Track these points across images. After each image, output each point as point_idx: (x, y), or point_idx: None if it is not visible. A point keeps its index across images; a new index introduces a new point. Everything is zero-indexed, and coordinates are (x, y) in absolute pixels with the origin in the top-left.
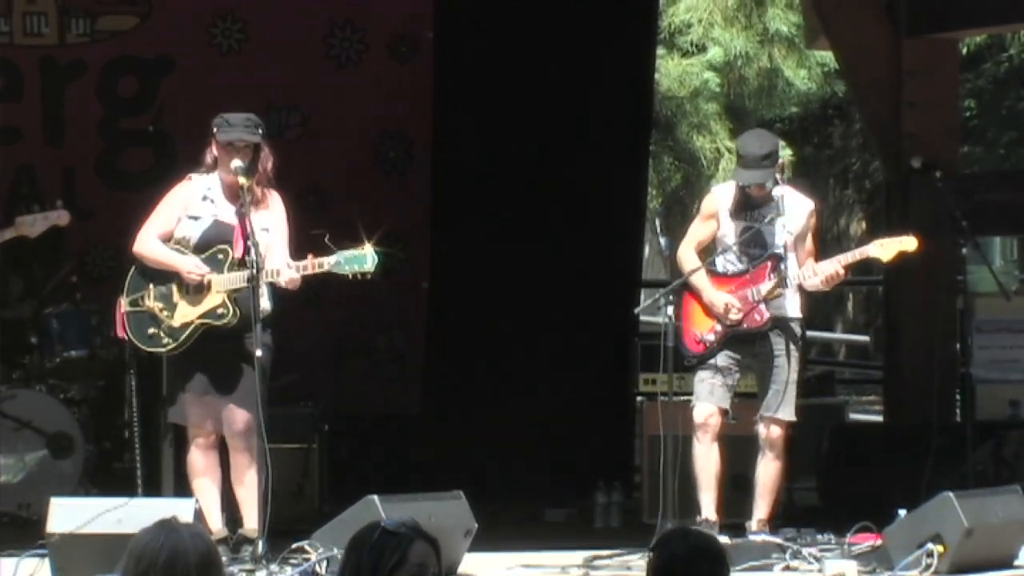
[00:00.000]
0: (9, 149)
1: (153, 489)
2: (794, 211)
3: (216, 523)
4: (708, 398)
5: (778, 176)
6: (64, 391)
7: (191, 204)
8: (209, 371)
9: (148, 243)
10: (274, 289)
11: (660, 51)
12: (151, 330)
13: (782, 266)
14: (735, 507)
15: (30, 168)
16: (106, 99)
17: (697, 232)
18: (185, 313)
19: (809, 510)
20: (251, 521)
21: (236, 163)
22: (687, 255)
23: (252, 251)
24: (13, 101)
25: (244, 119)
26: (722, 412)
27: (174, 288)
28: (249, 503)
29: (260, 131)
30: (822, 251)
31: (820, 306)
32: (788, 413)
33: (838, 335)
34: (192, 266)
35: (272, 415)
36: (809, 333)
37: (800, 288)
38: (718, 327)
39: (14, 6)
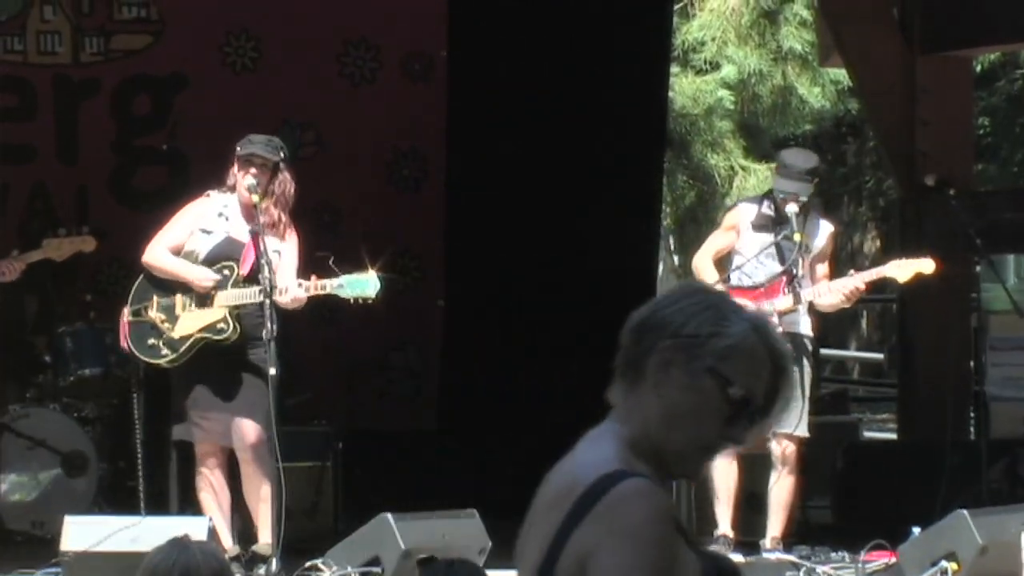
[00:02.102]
0: (23, 167)
1: (161, 507)
2: (816, 232)
3: (227, 541)
4: None
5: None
6: (78, 410)
7: (205, 219)
8: (212, 385)
9: (158, 254)
10: (278, 310)
11: (674, 69)
12: (151, 341)
13: (796, 283)
14: (749, 525)
15: (44, 186)
16: (120, 117)
17: (716, 242)
18: (186, 326)
19: (823, 528)
20: (265, 536)
21: (249, 180)
22: (704, 264)
23: (266, 268)
24: (27, 119)
25: (266, 139)
26: None
27: (177, 301)
28: (263, 517)
29: (282, 154)
30: (836, 269)
31: (834, 324)
32: (801, 429)
33: (852, 353)
34: (202, 275)
35: (286, 433)
36: (823, 351)
37: (811, 307)
38: None
39: (28, 25)
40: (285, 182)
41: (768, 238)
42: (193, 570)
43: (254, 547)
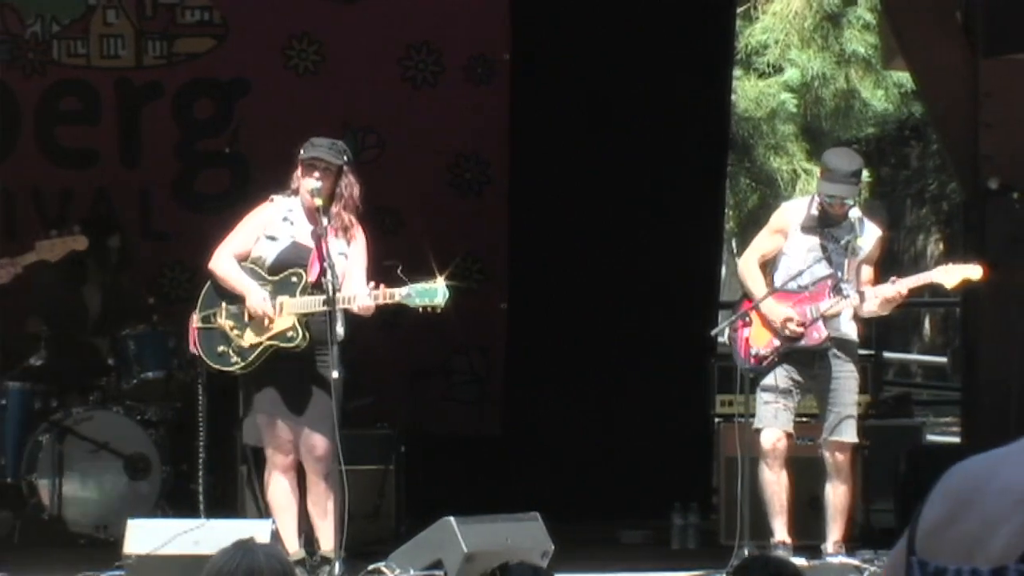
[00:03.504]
0: (86, 171)
1: (228, 510)
2: (865, 235)
3: (293, 544)
4: (773, 423)
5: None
6: (141, 413)
7: (271, 224)
8: (282, 393)
9: (223, 262)
10: (347, 315)
11: (737, 72)
12: (221, 348)
13: (842, 287)
14: (811, 528)
15: (106, 190)
16: (182, 121)
17: (762, 244)
18: (255, 334)
19: (886, 532)
20: (327, 543)
21: (312, 183)
22: (750, 267)
23: (329, 272)
24: (90, 123)
25: (330, 142)
26: (788, 436)
27: (246, 308)
28: (325, 527)
29: (345, 157)
30: (899, 272)
31: (897, 327)
32: (851, 435)
33: (915, 356)
34: (259, 300)
35: (349, 436)
36: (886, 354)
37: (855, 312)
38: (775, 342)
39: (91, 28)
40: (351, 185)
41: (815, 240)
42: (257, 572)
43: (319, 552)
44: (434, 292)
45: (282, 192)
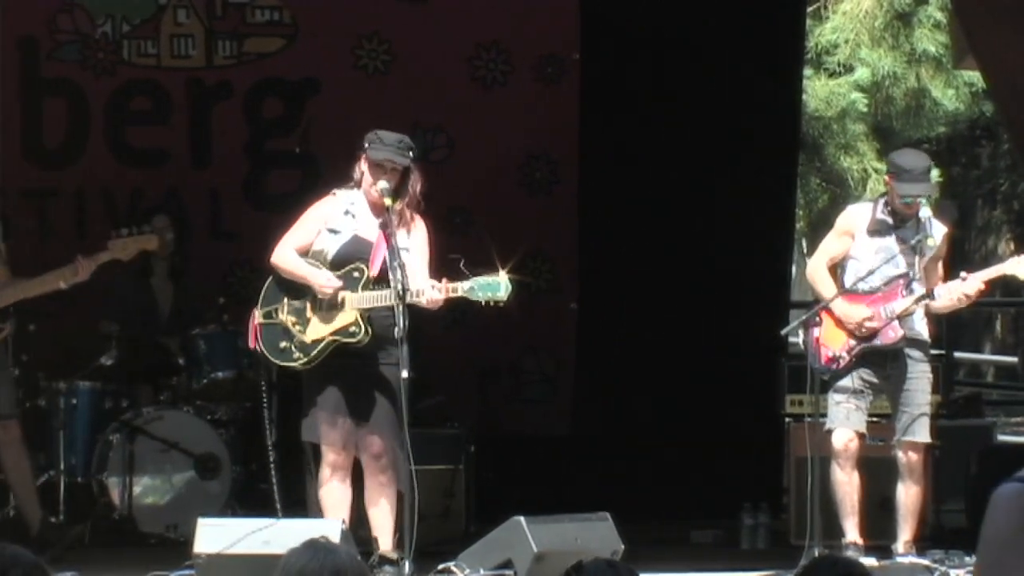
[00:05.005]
0: (156, 171)
1: (298, 510)
2: (933, 234)
3: None
4: (845, 423)
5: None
6: (211, 412)
7: (332, 218)
8: (344, 392)
9: (284, 255)
10: (411, 311)
11: (807, 72)
12: (283, 344)
13: (914, 286)
14: (881, 529)
15: (176, 190)
16: (252, 120)
17: (830, 248)
18: (318, 329)
19: (957, 532)
20: (386, 542)
21: (382, 184)
22: (820, 271)
23: (399, 271)
24: (160, 123)
25: (397, 140)
26: (860, 436)
27: (308, 303)
28: (383, 526)
29: (411, 154)
30: (969, 271)
31: (969, 327)
32: (924, 436)
33: (987, 356)
34: (324, 280)
35: (418, 436)
36: (957, 354)
37: (927, 310)
38: (851, 343)
39: (162, 28)
40: (415, 181)
41: (882, 241)
42: (342, 572)
43: (379, 551)
44: (497, 285)
45: (344, 186)
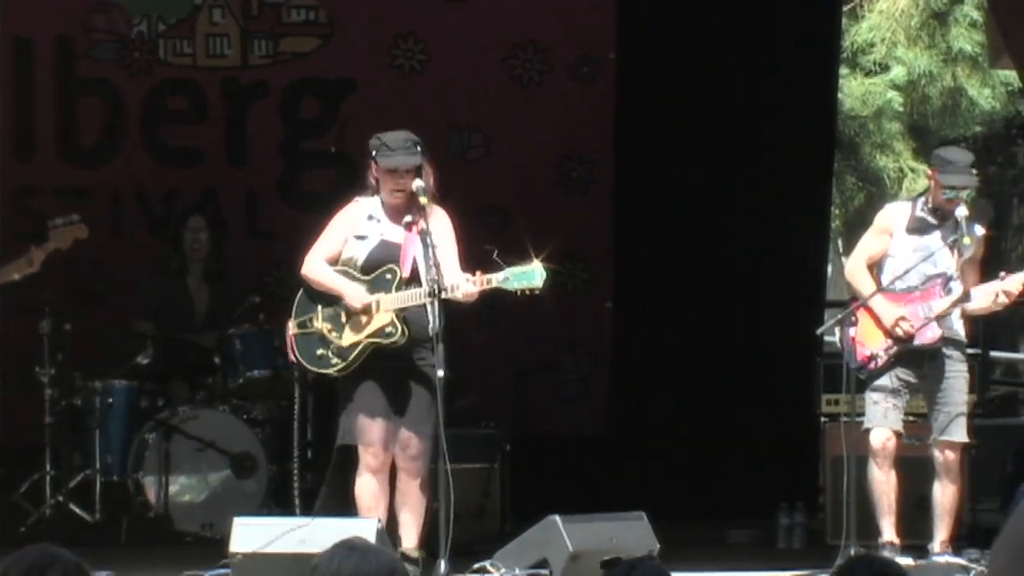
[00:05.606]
0: (192, 170)
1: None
2: (970, 234)
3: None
4: (883, 422)
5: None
6: (247, 411)
7: (358, 225)
8: (381, 392)
9: (315, 266)
10: (446, 309)
11: (843, 70)
12: (320, 351)
13: (952, 285)
14: (917, 528)
15: (212, 189)
16: (287, 120)
17: (869, 246)
18: (353, 333)
19: (993, 531)
20: (410, 541)
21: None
22: (858, 270)
23: (434, 269)
24: (196, 122)
25: (403, 141)
26: (897, 435)
27: (342, 309)
28: (410, 524)
29: (419, 148)
30: (1006, 271)
31: (1005, 326)
32: (961, 435)
33: (1022, 355)
34: (355, 293)
35: (454, 436)
36: (993, 353)
37: (963, 311)
38: (888, 342)
39: (197, 28)
40: (428, 175)
41: (921, 240)
42: (373, 573)
43: (400, 549)
44: (532, 274)
45: (364, 193)
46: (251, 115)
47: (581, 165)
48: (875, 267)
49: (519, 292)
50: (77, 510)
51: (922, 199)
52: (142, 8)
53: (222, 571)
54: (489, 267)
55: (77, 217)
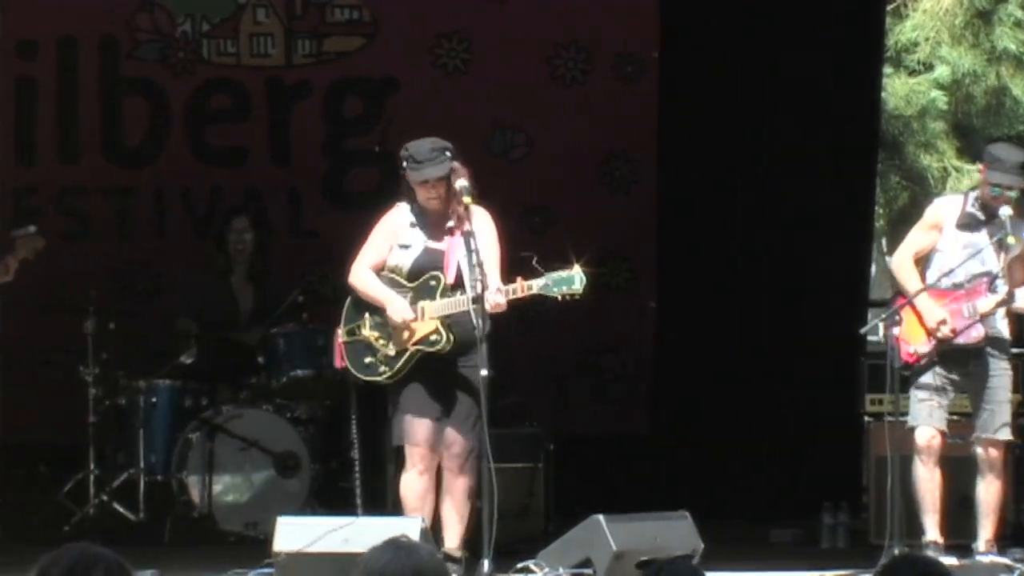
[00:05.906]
0: (236, 169)
1: (377, 508)
2: (1016, 233)
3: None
4: (928, 420)
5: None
6: (291, 411)
7: (401, 232)
8: (427, 392)
9: (361, 276)
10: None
11: (887, 70)
12: (368, 359)
13: (997, 284)
14: (962, 527)
15: (256, 189)
16: (331, 119)
17: (917, 240)
18: (400, 341)
19: None
20: (452, 541)
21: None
22: (905, 264)
23: (477, 271)
24: (240, 121)
25: (429, 151)
26: (942, 434)
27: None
28: (452, 524)
29: (448, 154)
30: None
31: None
32: (1005, 433)
33: None
34: (399, 310)
35: (497, 436)
36: None
37: (1008, 310)
38: (933, 341)
39: (241, 27)
40: (457, 177)
41: (970, 237)
42: (424, 571)
43: (443, 549)
44: (571, 279)
45: (404, 199)
46: (295, 114)
47: (624, 164)
48: (922, 261)
49: (560, 297)
50: (121, 509)
51: (973, 194)
52: (186, 8)
53: (266, 571)
54: (528, 273)
55: (33, 228)
